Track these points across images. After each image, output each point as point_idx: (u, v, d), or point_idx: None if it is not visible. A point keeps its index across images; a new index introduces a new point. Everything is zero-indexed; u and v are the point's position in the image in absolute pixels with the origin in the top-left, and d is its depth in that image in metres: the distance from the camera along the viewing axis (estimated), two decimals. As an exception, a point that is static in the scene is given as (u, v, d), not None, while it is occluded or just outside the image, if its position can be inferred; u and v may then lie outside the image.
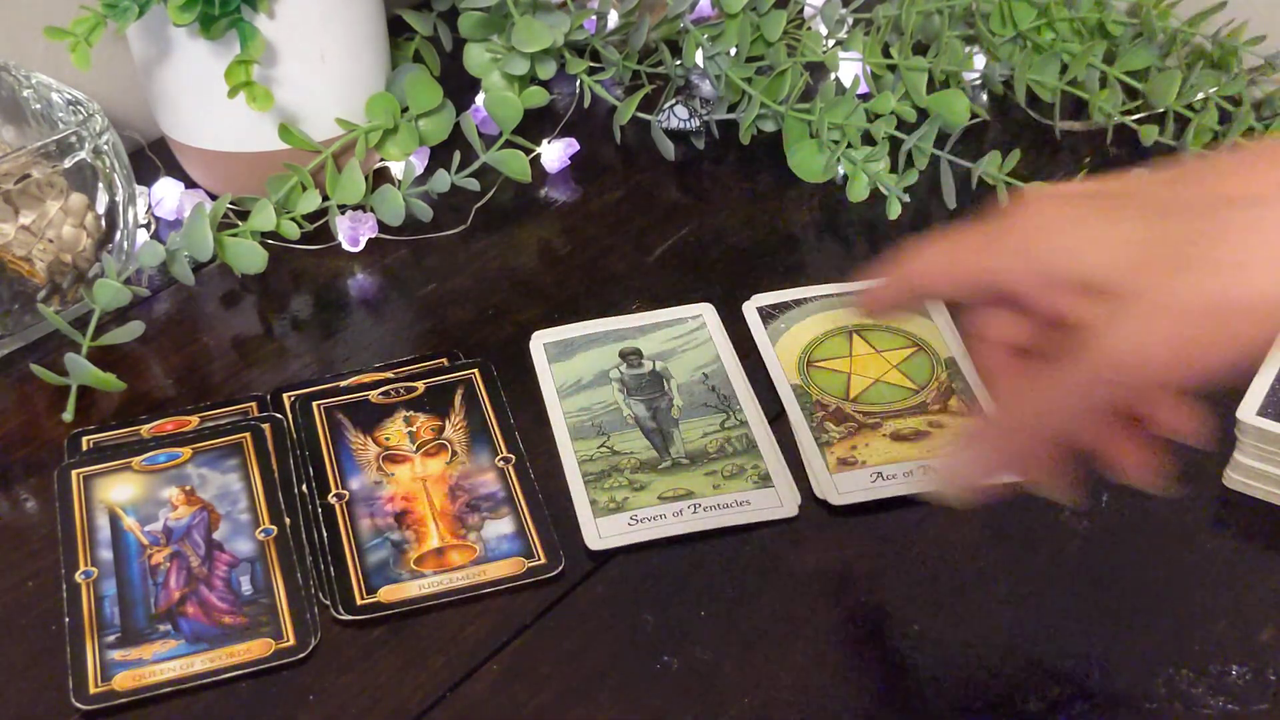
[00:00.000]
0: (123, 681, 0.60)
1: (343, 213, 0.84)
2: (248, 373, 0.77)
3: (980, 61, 0.94)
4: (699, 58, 0.93)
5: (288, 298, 0.82)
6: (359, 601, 0.63)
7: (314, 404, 0.73)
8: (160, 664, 0.61)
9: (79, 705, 0.60)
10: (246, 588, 0.64)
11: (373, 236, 0.84)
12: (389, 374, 0.75)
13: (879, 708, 0.59)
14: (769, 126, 0.90)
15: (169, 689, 0.60)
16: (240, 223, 0.82)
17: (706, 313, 0.79)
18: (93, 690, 0.60)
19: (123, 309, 0.78)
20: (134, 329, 0.76)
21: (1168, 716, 0.58)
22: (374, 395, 0.73)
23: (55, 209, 0.76)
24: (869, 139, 0.88)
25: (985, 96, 0.95)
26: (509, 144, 0.86)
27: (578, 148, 0.91)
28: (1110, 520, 0.66)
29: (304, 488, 0.69)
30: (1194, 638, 0.61)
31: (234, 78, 0.77)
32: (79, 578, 0.65)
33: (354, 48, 0.84)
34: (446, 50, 0.97)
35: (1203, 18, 0.91)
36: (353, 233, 0.84)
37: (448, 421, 0.72)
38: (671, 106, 0.91)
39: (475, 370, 0.75)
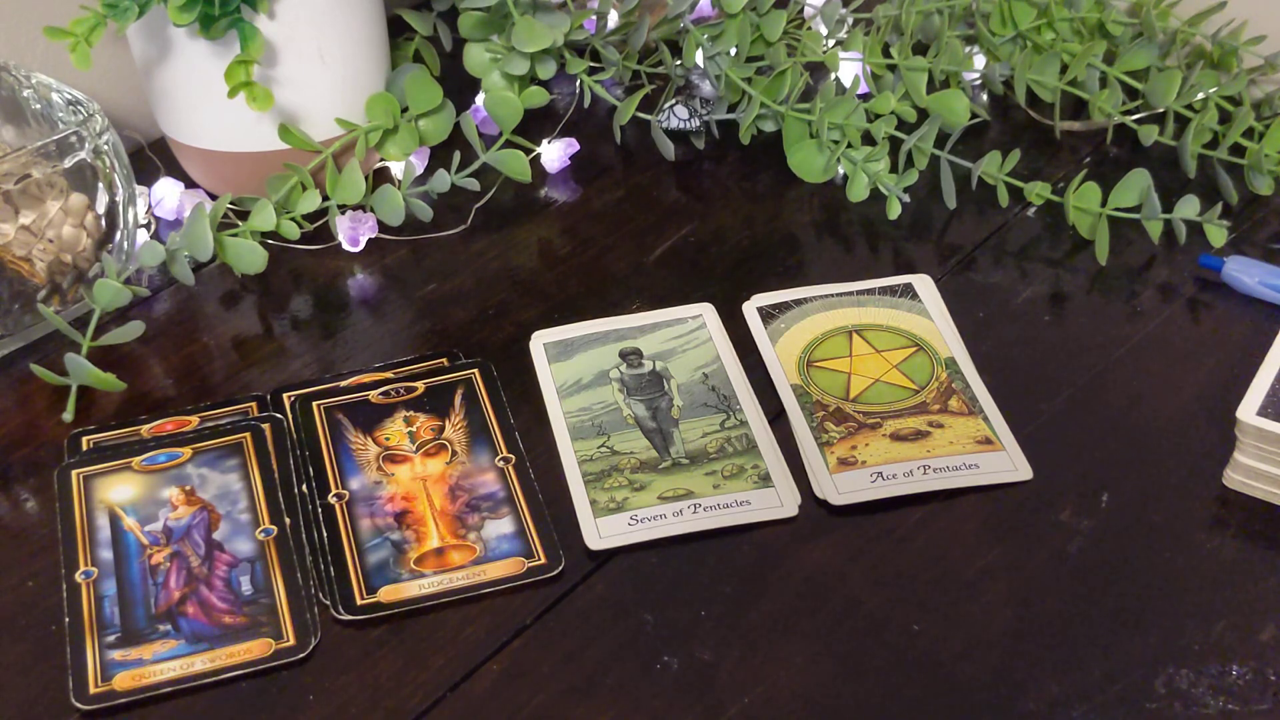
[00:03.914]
0: (123, 681, 0.60)
1: (343, 213, 0.84)
2: (248, 373, 0.77)
3: (980, 61, 0.94)
4: (699, 58, 0.93)
5: (288, 298, 0.82)
6: (359, 601, 0.63)
7: (314, 404, 0.73)
8: (160, 664, 0.61)
9: (79, 705, 0.60)
10: (246, 588, 0.64)
11: (373, 236, 0.84)
12: (389, 374, 0.75)
13: (879, 708, 0.59)
14: (769, 126, 0.90)
15: (169, 689, 0.60)
16: (240, 223, 0.82)
17: (706, 313, 0.79)
18: (93, 690, 0.60)
19: (123, 309, 0.78)
20: (134, 329, 0.76)
21: (1168, 716, 0.58)
22: (374, 395, 0.73)
23: (55, 209, 0.76)
24: (869, 139, 0.88)
25: (985, 96, 0.95)
26: (509, 144, 0.86)
27: (578, 148, 0.91)
28: (1110, 520, 0.66)
29: (304, 488, 0.69)
30: (1194, 638, 0.61)
31: (234, 78, 0.77)
32: (79, 578, 0.65)
33: (354, 48, 0.84)
34: (446, 50, 0.98)
35: (1203, 18, 0.91)
36: (353, 233, 0.84)
37: (448, 421, 0.72)
38: (671, 106, 0.91)
39: (475, 370, 0.75)
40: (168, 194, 0.86)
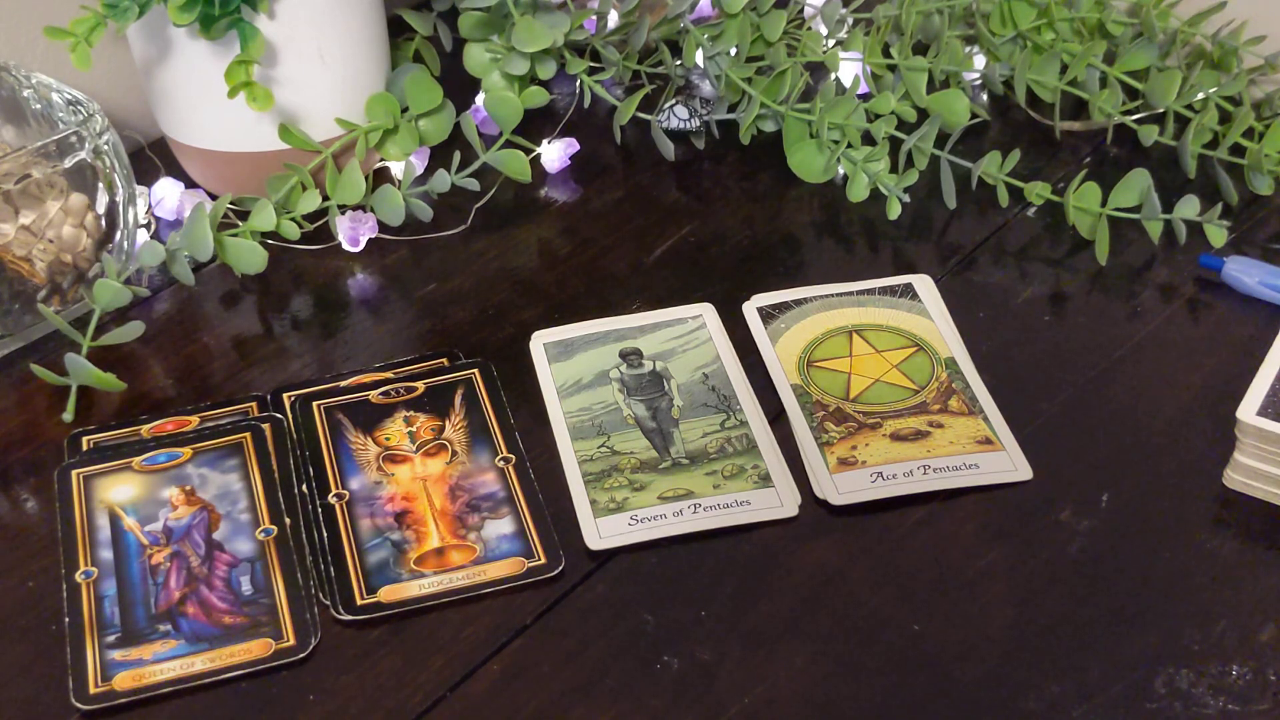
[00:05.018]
0: (123, 681, 0.60)
1: (343, 213, 0.84)
2: (248, 373, 0.77)
3: (980, 61, 0.94)
4: (699, 58, 0.93)
5: (288, 298, 0.82)
6: (359, 601, 0.63)
7: (314, 404, 0.73)
8: (160, 664, 0.61)
9: (79, 705, 0.60)
10: (246, 588, 0.64)
11: (373, 236, 0.84)
12: (389, 374, 0.75)
13: (879, 708, 0.59)
14: (769, 126, 0.90)
15: (169, 689, 0.60)
16: (240, 223, 0.82)
17: (706, 313, 0.79)
18: (93, 690, 0.60)
19: (123, 309, 0.78)
20: (134, 329, 0.76)
21: (1168, 716, 0.58)
22: (374, 395, 0.73)
23: (55, 209, 0.76)
24: (869, 139, 0.88)
25: (985, 96, 0.95)
26: (509, 144, 0.86)
27: (578, 148, 0.91)
28: (1110, 520, 0.66)
29: (304, 488, 0.69)
30: (1194, 638, 0.61)
31: (234, 78, 0.77)
32: (79, 578, 0.65)
33: (354, 48, 0.84)
34: (446, 50, 0.98)
35: (1203, 18, 0.91)
36: (353, 233, 0.84)
37: (448, 421, 0.72)
38: (671, 106, 0.91)
39: (475, 370, 0.75)
40: (168, 194, 0.86)
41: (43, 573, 0.66)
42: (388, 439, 0.71)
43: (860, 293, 0.79)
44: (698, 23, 0.95)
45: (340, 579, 0.64)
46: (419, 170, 0.87)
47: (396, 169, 0.89)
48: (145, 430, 0.72)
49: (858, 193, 0.87)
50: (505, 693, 0.60)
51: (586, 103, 0.95)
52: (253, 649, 0.61)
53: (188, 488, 0.69)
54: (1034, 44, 0.91)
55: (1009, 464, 0.69)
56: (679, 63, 0.93)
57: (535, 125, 0.93)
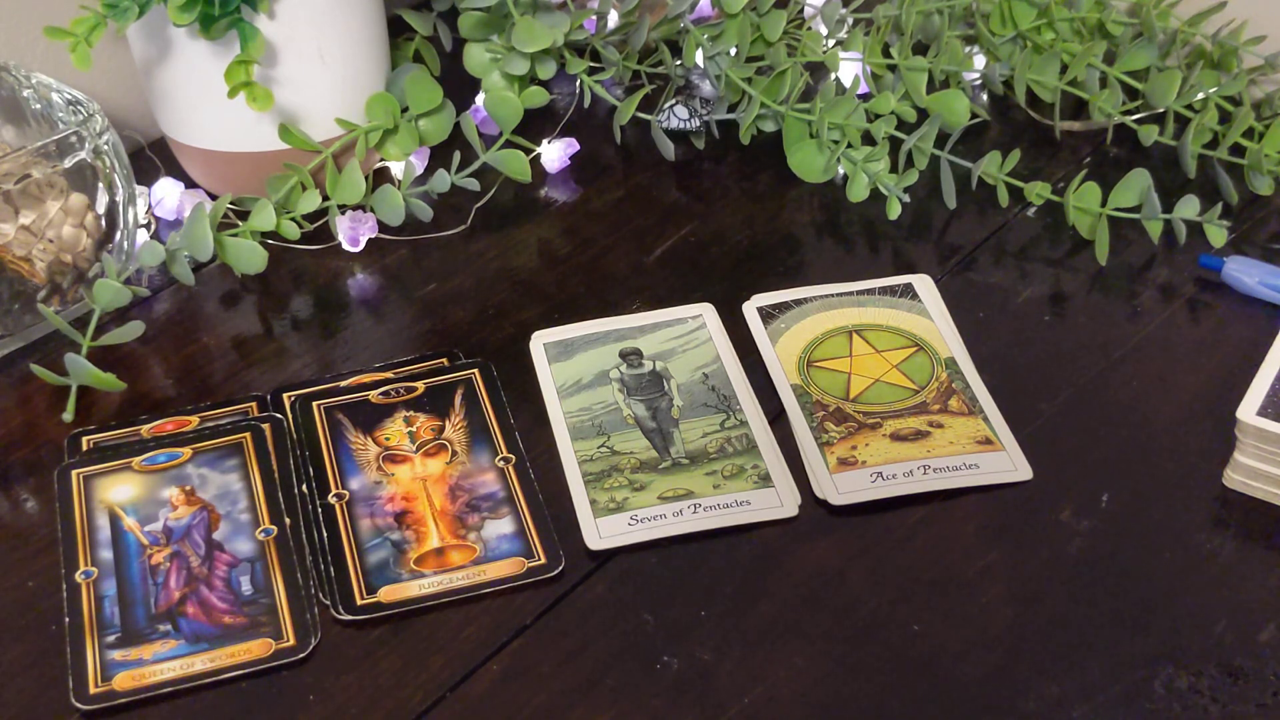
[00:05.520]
0: (123, 681, 0.60)
1: (343, 213, 0.84)
2: (248, 373, 0.77)
3: (980, 61, 0.94)
4: (699, 58, 0.93)
5: (288, 298, 0.82)
6: (359, 601, 0.63)
7: (314, 404, 0.73)
8: (160, 664, 0.61)
9: (79, 705, 0.60)
10: (246, 588, 0.64)
11: (373, 236, 0.84)
12: (389, 374, 0.75)
13: (879, 708, 0.59)
14: (769, 126, 0.90)
15: (169, 689, 0.60)
16: (240, 223, 0.82)
17: (706, 313, 0.79)
18: (93, 690, 0.60)
19: (123, 309, 0.78)
20: (134, 329, 0.76)
21: (1167, 717, 0.58)
22: (374, 395, 0.73)
23: (55, 209, 0.76)
24: (869, 139, 0.88)
25: (985, 96, 0.95)
26: (509, 144, 0.86)
27: (578, 148, 0.91)
28: (1110, 520, 0.66)
29: (304, 488, 0.69)
30: (1194, 638, 0.61)
31: (234, 78, 0.77)
32: (79, 578, 0.65)
33: (354, 48, 0.84)
34: (446, 50, 0.98)
35: (1203, 18, 0.91)
36: (353, 233, 0.84)
37: (448, 421, 0.72)
38: (671, 106, 0.91)
39: (475, 370, 0.75)
40: (168, 194, 0.86)
41: (43, 573, 0.66)
42: (388, 439, 0.71)
43: (860, 293, 0.79)
44: (698, 23, 0.95)
45: (340, 579, 0.64)
46: (419, 170, 0.87)
47: (396, 169, 0.89)
48: (145, 430, 0.72)
49: (858, 193, 0.87)
50: (505, 693, 0.60)
51: (586, 103, 0.95)
52: (253, 649, 0.62)
53: (188, 488, 0.69)
54: (1034, 44, 0.91)
55: (1009, 464, 0.69)
56: (679, 63, 0.93)
57: (535, 125, 0.93)
